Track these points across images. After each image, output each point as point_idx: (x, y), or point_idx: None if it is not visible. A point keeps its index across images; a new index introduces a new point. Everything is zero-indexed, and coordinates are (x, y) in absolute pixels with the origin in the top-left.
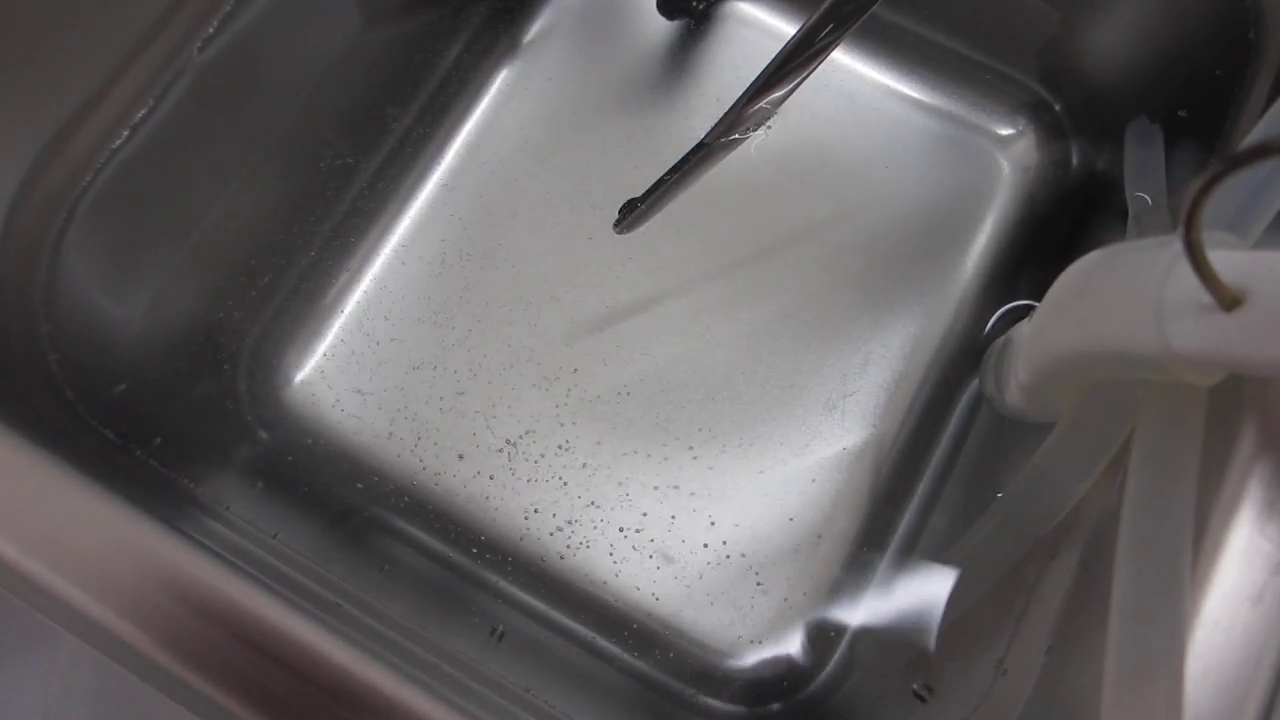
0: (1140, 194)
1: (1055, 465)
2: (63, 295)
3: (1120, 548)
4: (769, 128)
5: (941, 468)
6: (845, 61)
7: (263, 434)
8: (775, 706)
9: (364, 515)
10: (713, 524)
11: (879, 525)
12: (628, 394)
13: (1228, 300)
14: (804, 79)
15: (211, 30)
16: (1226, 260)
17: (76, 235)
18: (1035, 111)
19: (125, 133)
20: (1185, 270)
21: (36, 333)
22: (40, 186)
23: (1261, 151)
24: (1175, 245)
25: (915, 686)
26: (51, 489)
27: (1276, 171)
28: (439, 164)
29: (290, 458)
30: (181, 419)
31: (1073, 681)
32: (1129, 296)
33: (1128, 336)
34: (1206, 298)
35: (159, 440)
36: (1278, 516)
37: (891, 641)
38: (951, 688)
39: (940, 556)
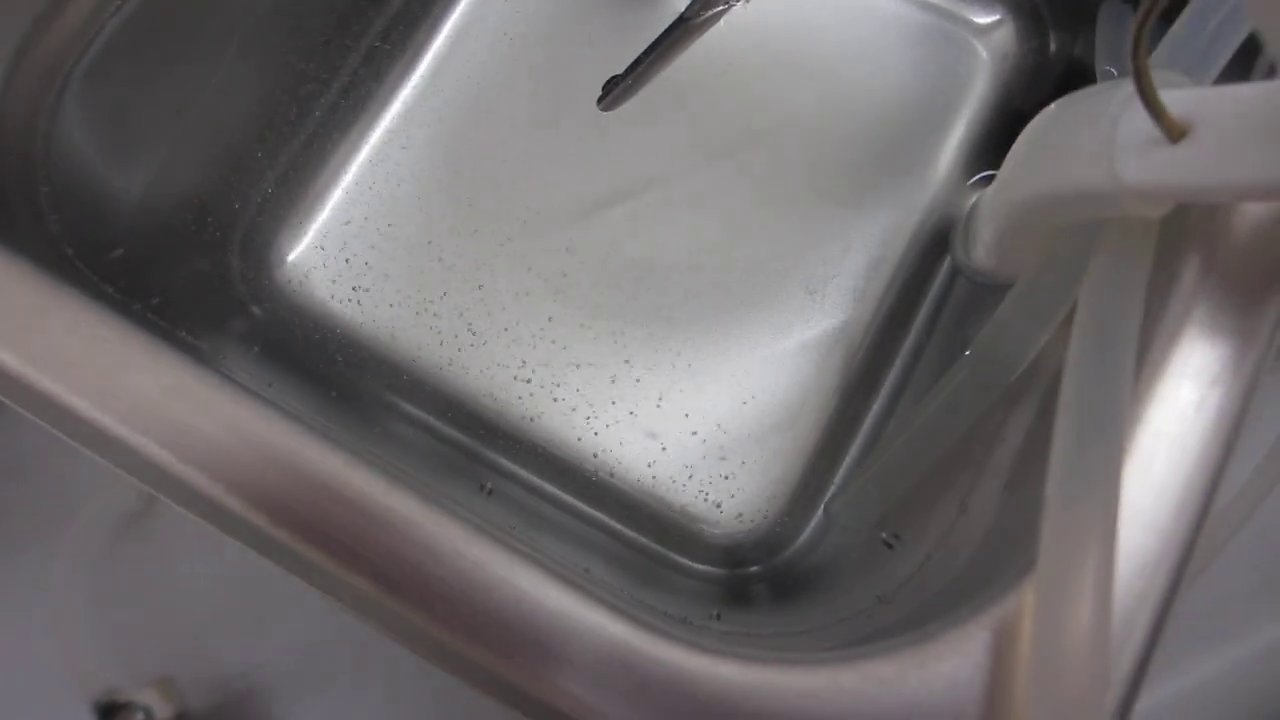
0: (1109, 68)
1: (1017, 317)
2: (61, 160)
3: (1068, 362)
4: (747, 1)
5: (917, 343)
6: None
7: (255, 309)
8: (753, 569)
9: (356, 385)
10: (695, 401)
11: (857, 399)
12: (613, 278)
13: (1175, 132)
14: None
15: None
16: (1174, 97)
17: (73, 103)
18: (1014, 0)
19: (116, 3)
20: (1136, 108)
21: (36, 193)
22: (37, 52)
23: None
24: (1127, 86)
25: (884, 535)
26: (60, 309)
27: (1227, 20)
28: (426, 52)
29: (284, 331)
30: (178, 287)
31: (1027, 512)
32: (1083, 136)
33: (1082, 175)
34: (1156, 132)
35: (156, 301)
36: (1218, 334)
37: (863, 501)
38: (917, 532)
39: (910, 413)
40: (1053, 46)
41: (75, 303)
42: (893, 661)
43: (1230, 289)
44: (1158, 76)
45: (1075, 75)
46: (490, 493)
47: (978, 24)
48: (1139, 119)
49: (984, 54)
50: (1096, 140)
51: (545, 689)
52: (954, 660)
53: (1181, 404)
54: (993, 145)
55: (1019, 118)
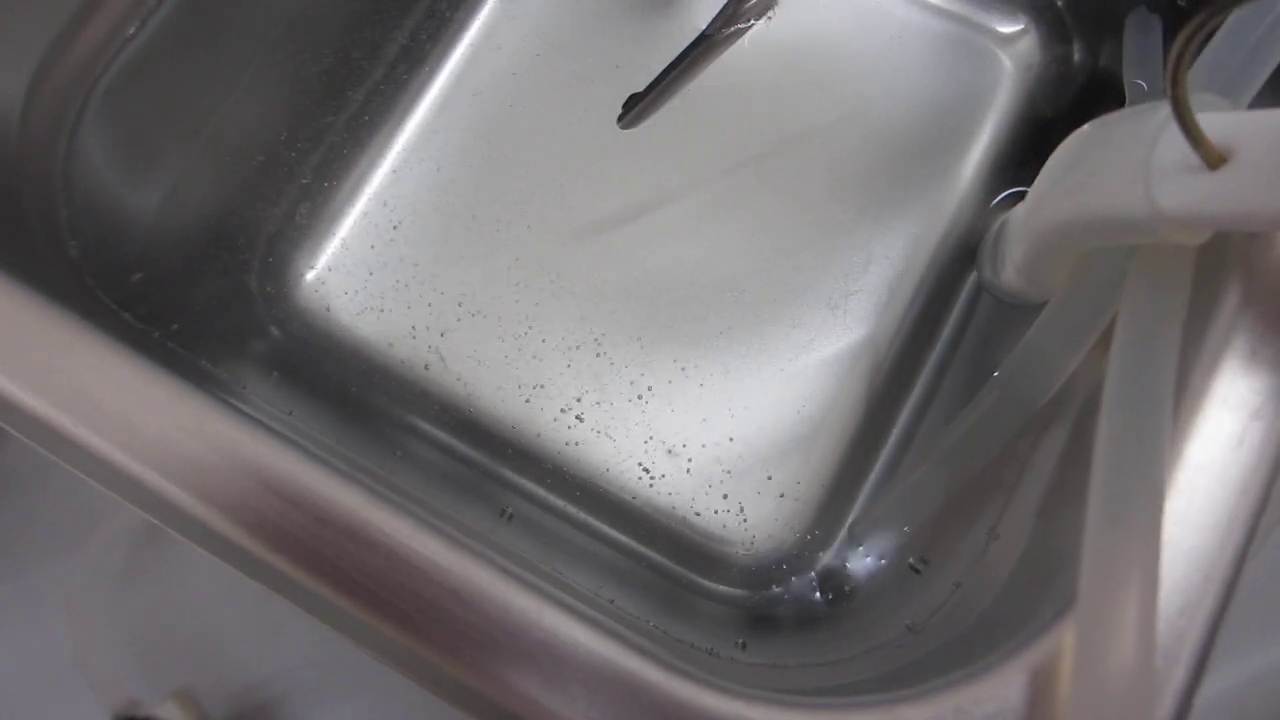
0: (1138, 81)
1: (1047, 341)
2: (79, 182)
3: (1106, 394)
4: (769, 18)
5: (942, 360)
6: None
7: (275, 330)
8: (776, 589)
9: (375, 408)
10: (716, 417)
11: (880, 417)
12: (633, 292)
13: (1214, 159)
14: None
15: None
16: (1213, 121)
17: (91, 124)
18: (1038, 9)
19: (135, 24)
20: (1173, 133)
21: (56, 218)
22: (56, 73)
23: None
24: (1164, 110)
25: (912, 560)
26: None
27: (1265, 38)
28: (444, 68)
29: (303, 353)
30: (197, 310)
31: (1061, 539)
32: (1119, 161)
33: (1117, 200)
34: (1194, 158)
35: (175, 327)
36: (1259, 366)
37: (888, 523)
38: (946, 557)
39: (938, 436)
40: (1077, 56)
41: (96, 340)
42: (928, 706)
43: (1271, 319)
44: (1197, 100)
45: (1100, 85)
46: (510, 518)
47: (1001, 33)
48: (1176, 144)
49: (1007, 63)
50: (1132, 165)
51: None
52: (991, 705)
53: (1223, 436)
54: (1017, 155)
55: (1043, 127)
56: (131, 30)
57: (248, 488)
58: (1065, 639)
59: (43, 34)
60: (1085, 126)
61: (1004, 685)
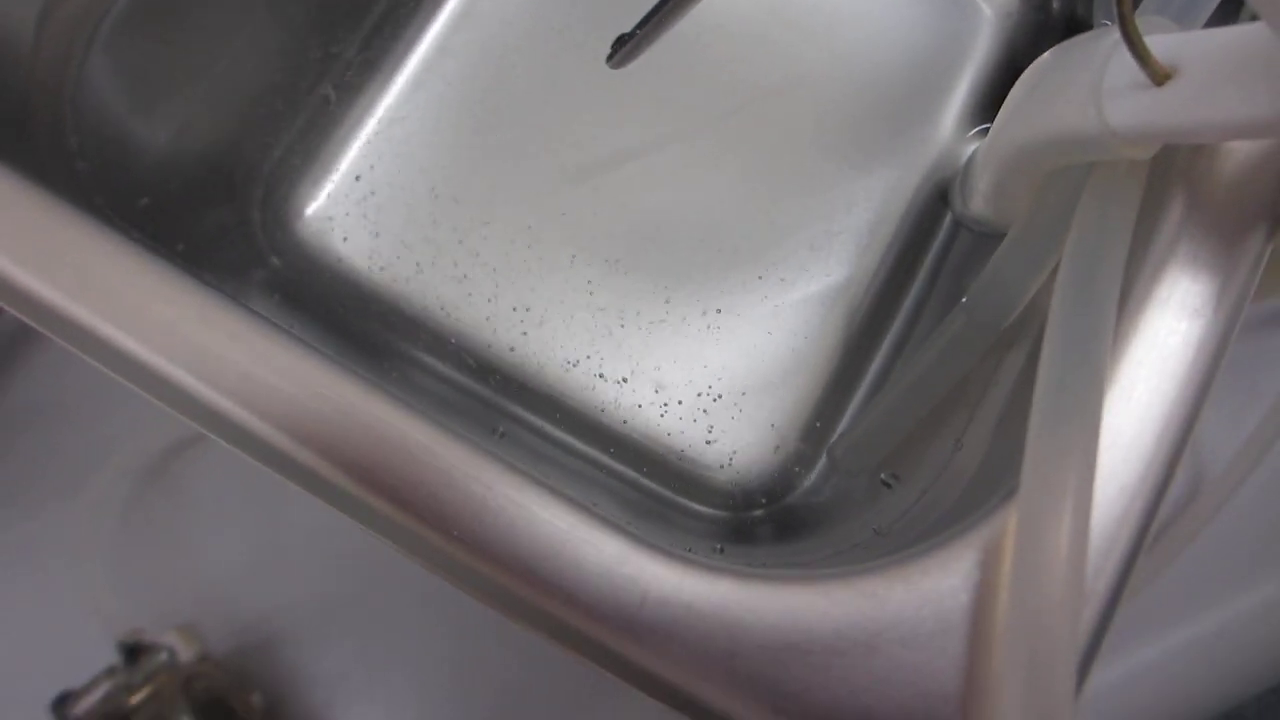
0: (1106, 21)
1: (1009, 265)
2: (88, 111)
3: (1055, 297)
4: None
5: (920, 295)
6: None
7: (275, 260)
8: (757, 512)
9: (370, 334)
10: (703, 353)
11: (860, 351)
12: (620, 234)
13: (1159, 75)
14: None
15: None
16: (1159, 41)
17: (100, 56)
18: None
19: None
20: (1123, 54)
21: (65, 143)
22: (65, 5)
23: None
24: (1114, 34)
25: (884, 476)
26: (96, 246)
27: None
28: (440, 12)
29: (302, 282)
30: (202, 236)
31: (1017, 444)
32: (1072, 83)
33: (1072, 119)
34: (1142, 77)
35: (181, 248)
36: (1199, 269)
37: (864, 445)
38: (915, 470)
39: (908, 359)
40: (1055, 4)
41: (109, 240)
42: (883, 578)
43: (1214, 225)
44: (1145, 23)
45: (1077, 31)
46: (502, 436)
47: None
48: (1126, 64)
49: (988, 11)
50: (1085, 85)
51: (552, 603)
52: (940, 575)
53: (1163, 335)
54: (995, 101)
55: (1021, 73)
56: None
57: (259, 375)
58: (1011, 520)
59: None
60: (1044, 54)
61: (952, 558)
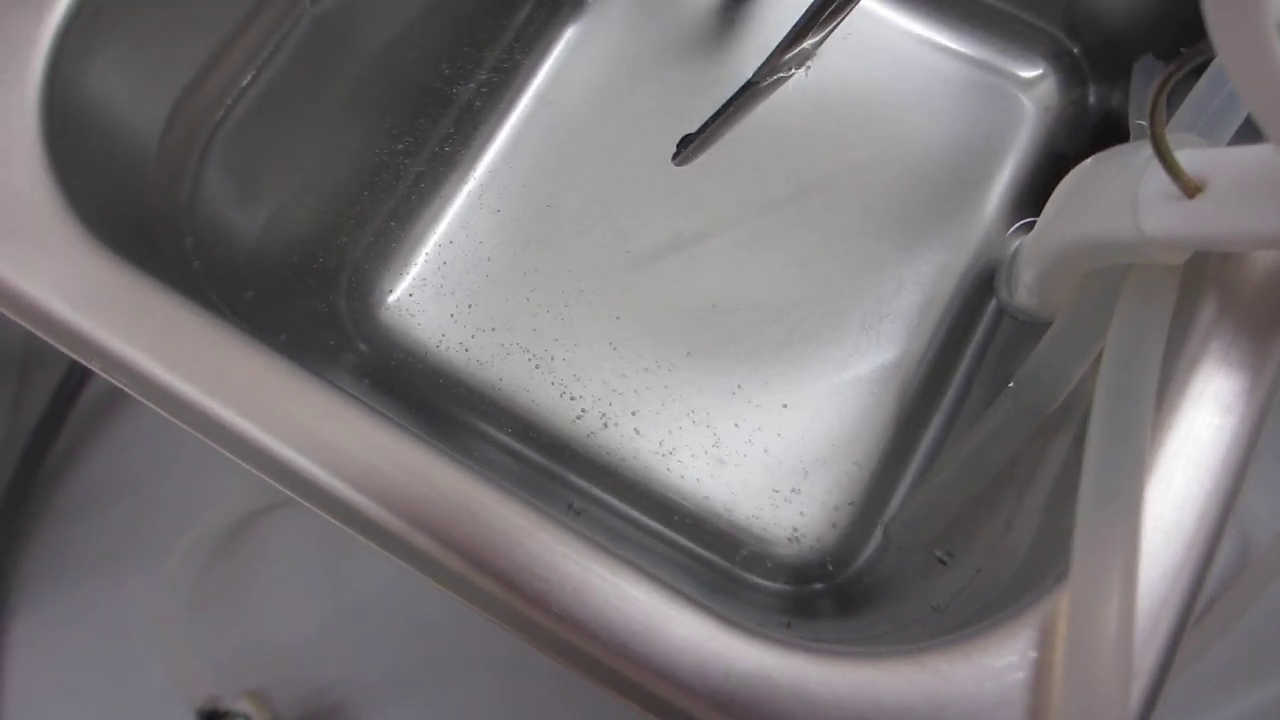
0: (1140, 122)
1: (1055, 353)
2: (202, 212)
3: (1098, 392)
4: (809, 67)
5: (967, 376)
6: (879, 11)
7: (362, 346)
8: (818, 586)
9: (452, 416)
10: (761, 432)
11: (911, 428)
12: (683, 316)
13: (1190, 188)
14: (839, 23)
15: None
16: (1190, 156)
17: (214, 157)
18: (1056, 55)
19: (251, 73)
20: (1157, 167)
21: (183, 242)
22: (184, 117)
23: (1199, 51)
24: (1149, 147)
25: (938, 553)
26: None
27: None
28: (513, 112)
29: (387, 366)
30: (298, 325)
31: (1066, 525)
32: (1111, 192)
33: (1110, 225)
34: (1174, 189)
35: (284, 337)
36: (1231, 367)
37: (919, 521)
38: (968, 548)
39: (959, 442)
40: (1092, 99)
41: (237, 340)
42: (947, 655)
43: (1243, 326)
44: (1176, 138)
45: (1113, 124)
46: (579, 513)
47: (1022, 78)
48: (1159, 176)
49: (1028, 105)
50: (1123, 194)
51: (646, 675)
52: (999, 653)
53: (1199, 428)
54: (1036, 190)
55: (1061, 163)
56: (247, 79)
57: (373, 463)
58: (1062, 602)
59: (178, 80)
60: (1086, 161)
61: (1009, 637)
